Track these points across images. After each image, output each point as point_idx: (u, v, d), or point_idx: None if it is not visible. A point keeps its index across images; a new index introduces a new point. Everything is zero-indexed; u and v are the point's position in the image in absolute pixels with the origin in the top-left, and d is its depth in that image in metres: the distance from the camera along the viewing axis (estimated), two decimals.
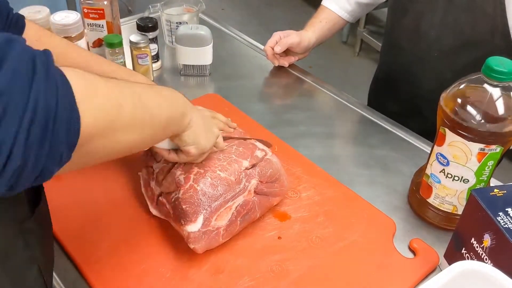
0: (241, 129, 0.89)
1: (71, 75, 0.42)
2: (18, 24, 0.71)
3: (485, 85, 0.70)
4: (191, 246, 0.71)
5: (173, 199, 0.73)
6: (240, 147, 0.79)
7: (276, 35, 1.18)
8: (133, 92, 0.52)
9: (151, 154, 0.81)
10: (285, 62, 1.21)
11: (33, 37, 0.73)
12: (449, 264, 0.69)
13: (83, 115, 0.42)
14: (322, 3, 1.25)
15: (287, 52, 1.21)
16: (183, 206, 0.71)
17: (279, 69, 1.24)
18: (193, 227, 0.70)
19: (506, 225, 0.63)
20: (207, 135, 0.69)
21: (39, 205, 0.57)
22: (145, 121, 0.53)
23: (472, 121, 0.70)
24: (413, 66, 1.11)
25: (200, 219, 0.71)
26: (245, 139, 0.83)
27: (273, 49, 1.17)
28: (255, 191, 0.77)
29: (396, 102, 1.17)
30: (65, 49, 0.78)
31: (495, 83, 0.69)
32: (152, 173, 0.79)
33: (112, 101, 0.47)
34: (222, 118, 0.88)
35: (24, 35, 0.71)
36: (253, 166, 0.78)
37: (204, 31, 1.14)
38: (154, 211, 0.78)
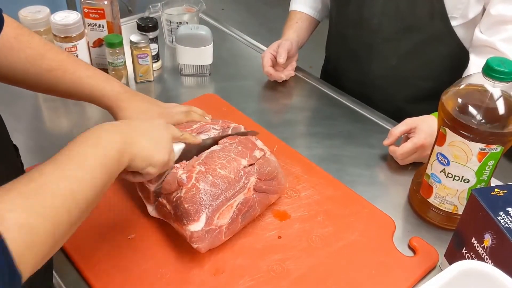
0: (235, 123, 0.89)
1: (8, 237, 0.43)
2: None
3: (486, 85, 0.70)
4: (195, 246, 0.71)
5: (174, 199, 0.73)
6: (240, 145, 0.80)
7: (268, 54, 1.14)
8: (66, 197, 0.50)
9: None
10: (291, 72, 1.18)
11: (11, 34, 0.72)
12: (450, 263, 0.69)
13: (25, 271, 0.44)
14: (291, 8, 1.25)
15: (286, 63, 1.17)
16: (186, 205, 0.71)
17: None
18: (196, 226, 0.70)
19: (506, 225, 0.63)
20: (159, 147, 0.67)
21: None
22: (83, 212, 0.53)
23: (472, 121, 0.70)
24: (359, 54, 1.14)
25: (203, 218, 0.71)
26: (224, 136, 0.83)
27: (273, 66, 1.14)
28: (254, 189, 0.77)
29: (346, 91, 1.18)
30: (42, 50, 0.76)
31: (496, 83, 0.69)
32: None
33: (49, 239, 0.48)
34: (198, 111, 0.90)
35: (2, 33, 0.69)
36: (251, 164, 0.78)
37: (204, 31, 1.14)
38: (152, 213, 0.78)
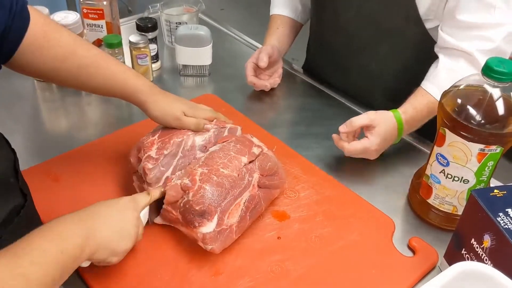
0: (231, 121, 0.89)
1: None
2: (22, 16, 0.68)
3: (485, 86, 0.70)
4: (209, 247, 0.71)
5: (181, 204, 0.73)
6: (238, 144, 0.80)
7: (250, 63, 1.10)
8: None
9: (134, 160, 0.81)
10: (277, 79, 1.13)
11: (39, 32, 0.71)
12: (449, 264, 0.69)
13: None
14: (271, 13, 1.22)
15: (270, 70, 1.14)
16: (196, 208, 0.71)
17: None
18: (208, 228, 0.71)
19: (506, 226, 0.63)
20: (123, 235, 0.66)
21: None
22: None
23: (472, 121, 0.70)
24: (339, 60, 1.13)
25: (215, 219, 0.71)
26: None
27: (257, 76, 1.11)
28: (258, 185, 0.78)
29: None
30: (72, 47, 0.75)
31: (495, 83, 0.69)
32: (141, 176, 0.79)
33: None
34: (222, 116, 0.90)
35: (29, 30, 0.69)
36: (251, 161, 0.78)
37: (203, 31, 1.14)
38: (158, 220, 0.78)
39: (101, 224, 0.63)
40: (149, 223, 0.76)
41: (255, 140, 0.83)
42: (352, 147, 0.89)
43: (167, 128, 0.83)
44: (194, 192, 0.72)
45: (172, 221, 0.76)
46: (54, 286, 0.55)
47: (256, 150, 0.80)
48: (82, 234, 0.60)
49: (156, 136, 0.81)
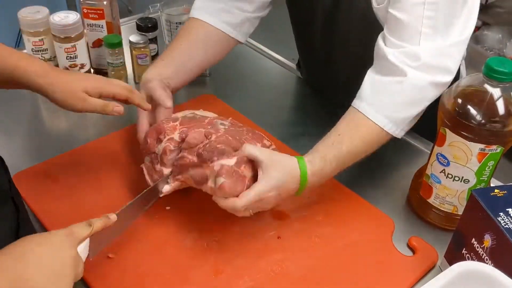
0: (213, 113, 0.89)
1: None
2: None
3: (486, 85, 0.70)
4: (221, 180, 0.70)
5: (201, 146, 0.74)
6: (250, 132, 0.81)
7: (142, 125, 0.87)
8: None
9: (152, 140, 0.80)
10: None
11: None
12: (450, 264, 0.69)
13: None
14: (190, 15, 0.99)
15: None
16: (218, 146, 0.72)
17: (278, 70, 1.24)
18: (227, 162, 0.71)
19: (506, 225, 0.63)
20: (59, 280, 0.54)
21: None
22: None
23: (472, 121, 0.70)
24: (326, 65, 1.07)
25: (234, 159, 0.72)
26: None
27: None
28: None
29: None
30: None
31: (496, 83, 0.69)
32: (156, 157, 0.79)
33: None
34: (116, 83, 0.79)
35: None
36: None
37: None
38: (166, 189, 0.77)
39: (31, 270, 0.52)
40: (89, 258, 0.64)
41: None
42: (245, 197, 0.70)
43: (186, 117, 0.83)
44: (217, 136, 0.73)
45: (184, 169, 0.75)
46: None
47: (267, 142, 0.82)
48: (10, 286, 0.50)
49: (177, 123, 0.80)
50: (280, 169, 0.72)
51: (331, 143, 0.78)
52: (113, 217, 0.67)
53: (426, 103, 0.78)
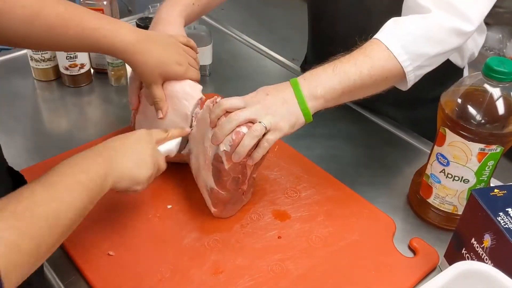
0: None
1: None
2: None
3: (486, 85, 0.70)
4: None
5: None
6: None
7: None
8: (51, 219, 0.52)
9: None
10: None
11: None
12: (450, 264, 0.69)
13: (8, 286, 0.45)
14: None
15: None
16: None
17: (279, 70, 1.24)
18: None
19: (506, 225, 0.63)
20: (142, 164, 0.68)
21: None
22: (63, 234, 0.55)
23: (472, 121, 0.70)
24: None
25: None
26: None
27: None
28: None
29: None
30: (36, 8, 0.68)
31: (496, 83, 0.69)
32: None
33: (32, 259, 0.50)
34: (183, 40, 0.91)
35: None
36: None
37: (203, 31, 1.14)
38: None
39: (118, 155, 0.66)
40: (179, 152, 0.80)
41: None
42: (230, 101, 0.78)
43: None
44: None
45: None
46: (84, 212, 0.58)
47: None
48: (104, 165, 0.62)
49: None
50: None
51: (337, 59, 0.78)
52: (188, 129, 0.82)
53: (445, 47, 0.78)
